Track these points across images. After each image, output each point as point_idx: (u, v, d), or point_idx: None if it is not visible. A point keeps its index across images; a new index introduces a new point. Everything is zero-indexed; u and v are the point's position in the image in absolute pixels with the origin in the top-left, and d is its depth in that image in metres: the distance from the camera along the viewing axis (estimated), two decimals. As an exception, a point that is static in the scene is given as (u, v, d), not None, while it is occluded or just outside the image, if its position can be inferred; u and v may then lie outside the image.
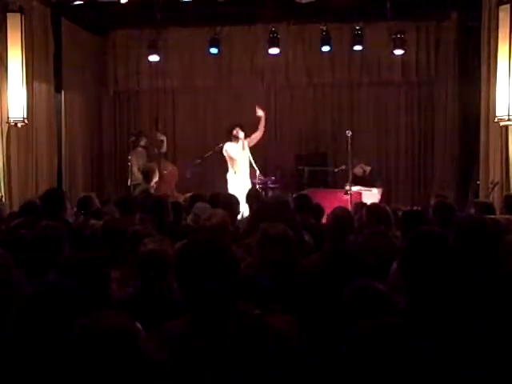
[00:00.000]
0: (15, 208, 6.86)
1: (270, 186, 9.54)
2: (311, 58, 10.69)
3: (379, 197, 8.55)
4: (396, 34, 9.61)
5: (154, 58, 10.04)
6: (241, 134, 8.81)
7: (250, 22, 10.41)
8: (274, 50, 9.91)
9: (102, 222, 4.31)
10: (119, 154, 11.31)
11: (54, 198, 4.83)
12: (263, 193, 8.82)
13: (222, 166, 9.23)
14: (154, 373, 1.71)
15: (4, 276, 2.78)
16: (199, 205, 5.08)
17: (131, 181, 8.97)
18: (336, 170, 9.43)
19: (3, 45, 7.90)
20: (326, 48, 10.06)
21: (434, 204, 4.98)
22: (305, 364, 1.82)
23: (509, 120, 7.56)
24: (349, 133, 8.17)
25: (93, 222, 4.96)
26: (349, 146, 8.19)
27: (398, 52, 9.79)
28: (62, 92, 9.63)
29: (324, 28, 9.91)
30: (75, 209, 5.83)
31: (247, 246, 3.55)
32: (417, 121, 10.89)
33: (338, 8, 9.28)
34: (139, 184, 8.09)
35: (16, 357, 1.97)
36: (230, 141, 8.86)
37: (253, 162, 9.06)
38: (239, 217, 5.59)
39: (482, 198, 7.73)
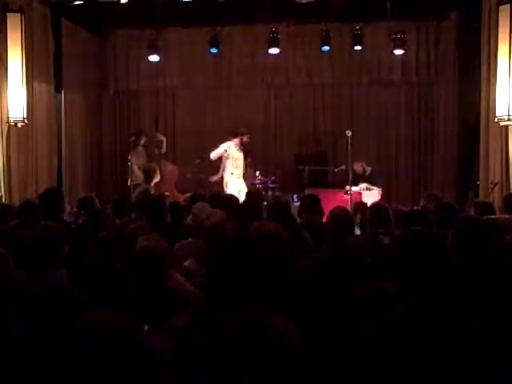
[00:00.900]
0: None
1: (270, 186, 9.54)
2: (311, 58, 10.70)
3: (379, 197, 8.55)
4: (396, 34, 9.60)
5: (154, 57, 10.04)
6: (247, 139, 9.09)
7: (250, 22, 10.41)
8: (273, 50, 9.91)
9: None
10: (119, 153, 11.31)
11: (52, 198, 4.82)
12: (263, 193, 8.84)
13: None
14: (155, 370, 1.71)
15: (4, 274, 2.78)
16: (198, 204, 5.08)
17: (131, 181, 8.97)
18: (336, 170, 9.44)
19: (3, 45, 7.90)
20: (326, 48, 10.05)
21: (433, 204, 4.98)
22: (302, 365, 1.82)
23: (509, 120, 7.56)
24: (349, 133, 8.18)
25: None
26: (349, 146, 8.20)
27: (398, 52, 9.78)
28: (62, 92, 9.63)
29: (324, 28, 9.92)
30: (75, 209, 5.83)
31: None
32: (417, 121, 10.89)
33: (337, 8, 9.28)
34: (139, 184, 8.09)
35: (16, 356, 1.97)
36: (234, 142, 8.99)
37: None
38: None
39: (481, 198, 7.73)
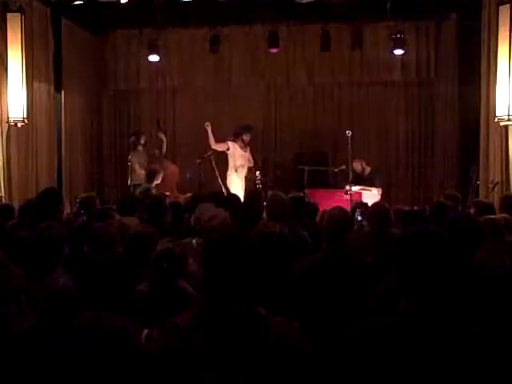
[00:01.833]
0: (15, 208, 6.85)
1: (270, 185, 9.54)
2: (311, 58, 10.69)
3: (379, 197, 8.54)
4: (396, 34, 9.59)
5: (154, 57, 10.04)
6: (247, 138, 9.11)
7: (250, 22, 10.41)
8: (274, 50, 9.90)
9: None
10: (119, 154, 11.31)
11: (50, 199, 4.81)
12: (263, 192, 8.83)
13: (222, 166, 9.24)
14: (153, 370, 1.71)
15: (4, 272, 2.78)
16: (202, 205, 5.07)
17: (131, 181, 8.97)
18: (336, 170, 9.43)
19: (3, 45, 7.90)
20: (326, 48, 10.05)
21: (433, 204, 4.99)
22: (305, 366, 1.82)
23: (509, 120, 7.56)
24: (349, 133, 8.17)
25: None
26: (349, 146, 8.19)
27: (398, 52, 9.78)
28: (62, 92, 9.63)
29: (324, 28, 9.91)
30: (75, 209, 5.82)
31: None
32: (417, 121, 10.88)
33: (337, 8, 9.28)
34: (140, 184, 8.10)
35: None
36: (235, 142, 9.01)
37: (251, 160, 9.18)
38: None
39: (481, 198, 7.73)
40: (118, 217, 4.87)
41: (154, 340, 1.85)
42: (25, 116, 8.07)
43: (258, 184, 9.32)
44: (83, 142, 10.53)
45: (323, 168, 10.12)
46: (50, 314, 2.15)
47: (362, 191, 8.67)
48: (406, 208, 6.60)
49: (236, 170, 9.07)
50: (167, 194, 7.54)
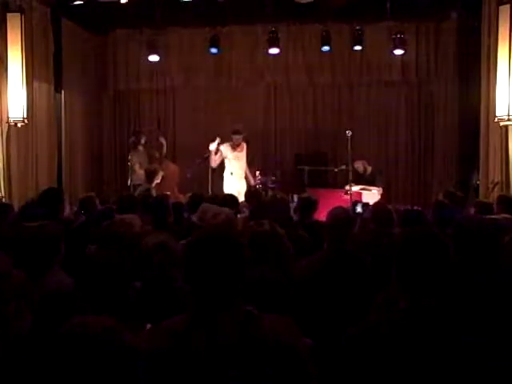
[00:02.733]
0: (15, 208, 6.85)
1: (270, 185, 9.54)
2: (311, 58, 10.69)
3: (379, 196, 8.55)
4: (396, 34, 9.60)
5: (153, 57, 10.03)
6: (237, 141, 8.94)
7: (250, 22, 10.41)
8: (273, 50, 9.90)
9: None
10: (119, 154, 11.31)
11: (51, 199, 4.81)
12: (263, 193, 8.83)
13: (222, 165, 9.24)
14: (146, 373, 1.71)
15: (3, 272, 2.77)
16: (206, 204, 5.06)
17: (131, 181, 8.97)
18: (336, 170, 9.44)
19: (3, 45, 7.90)
20: (326, 48, 10.05)
21: (433, 204, 4.99)
22: (301, 365, 1.82)
23: (509, 120, 7.56)
24: (349, 133, 8.17)
25: None
26: (349, 146, 8.20)
27: (398, 52, 9.78)
28: (62, 92, 9.64)
29: (324, 28, 9.92)
30: (75, 209, 5.82)
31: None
32: (417, 121, 10.89)
33: (337, 8, 9.28)
34: (140, 184, 8.10)
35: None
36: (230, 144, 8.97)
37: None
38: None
39: (481, 198, 7.73)
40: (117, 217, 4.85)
41: (147, 342, 1.84)
42: (25, 116, 8.07)
43: (257, 184, 9.32)
44: (83, 141, 10.53)
45: (323, 168, 10.13)
46: (43, 317, 2.14)
47: (362, 191, 8.67)
48: (402, 208, 6.61)
49: (231, 173, 9.03)
50: (168, 193, 7.54)
